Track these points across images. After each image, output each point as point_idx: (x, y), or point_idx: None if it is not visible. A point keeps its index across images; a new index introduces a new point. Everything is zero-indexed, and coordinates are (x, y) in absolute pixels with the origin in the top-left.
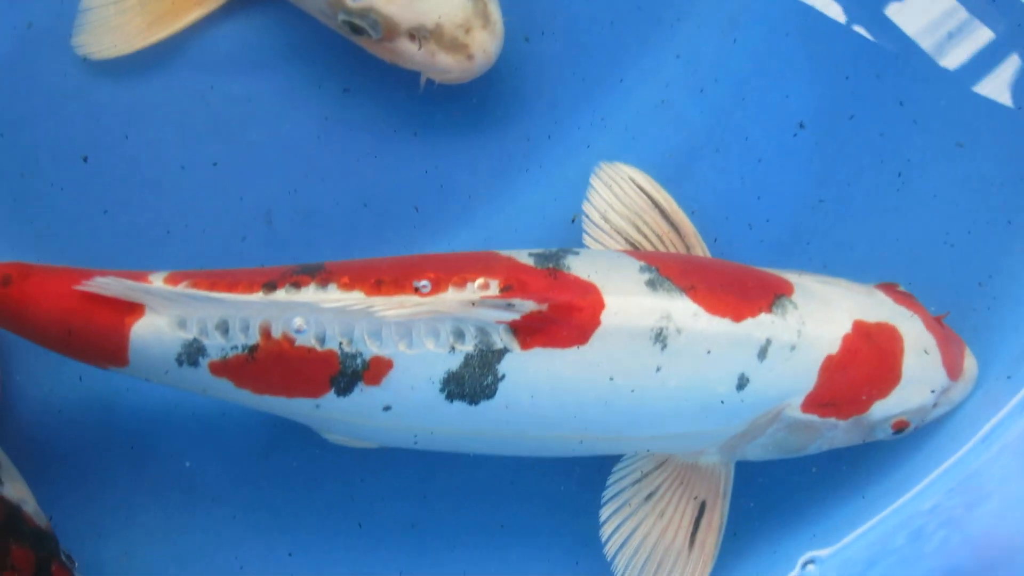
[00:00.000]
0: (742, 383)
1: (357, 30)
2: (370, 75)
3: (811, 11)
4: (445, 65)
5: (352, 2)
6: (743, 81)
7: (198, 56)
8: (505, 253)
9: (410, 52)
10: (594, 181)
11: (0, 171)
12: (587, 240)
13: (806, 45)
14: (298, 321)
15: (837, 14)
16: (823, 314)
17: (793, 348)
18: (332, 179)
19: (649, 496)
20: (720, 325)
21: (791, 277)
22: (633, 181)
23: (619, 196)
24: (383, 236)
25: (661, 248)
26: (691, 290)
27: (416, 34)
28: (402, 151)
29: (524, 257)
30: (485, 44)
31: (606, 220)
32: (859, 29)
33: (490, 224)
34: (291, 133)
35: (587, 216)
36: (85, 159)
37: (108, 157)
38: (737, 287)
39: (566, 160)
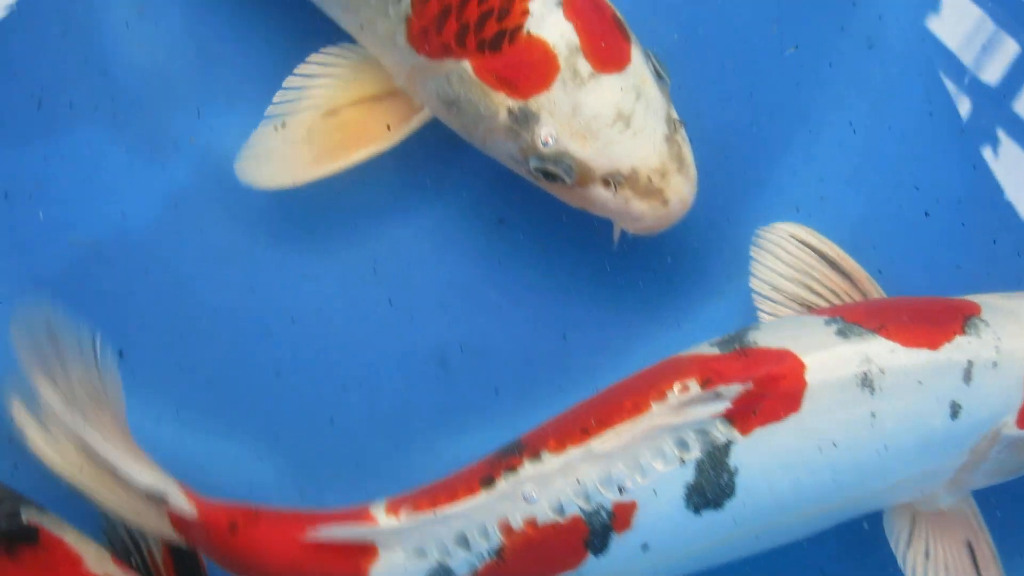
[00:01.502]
0: (955, 411)
1: (550, 176)
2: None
3: None
4: (640, 212)
5: (545, 147)
6: None
7: (359, 193)
8: (687, 353)
9: (604, 198)
10: (755, 252)
11: None
12: (763, 316)
13: None
14: (528, 487)
15: None
16: (1016, 327)
17: (995, 365)
18: (502, 315)
19: (927, 555)
20: (919, 356)
21: (973, 298)
22: (795, 237)
23: (783, 259)
24: (562, 367)
25: (840, 303)
26: (882, 329)
27: (611, 180)
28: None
29: (707, 348)
30: (681, 190)
31: (777, 289)
32: None
33: (662, 338)
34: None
35: (756, 291)
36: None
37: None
38: (925, 316)
39: None
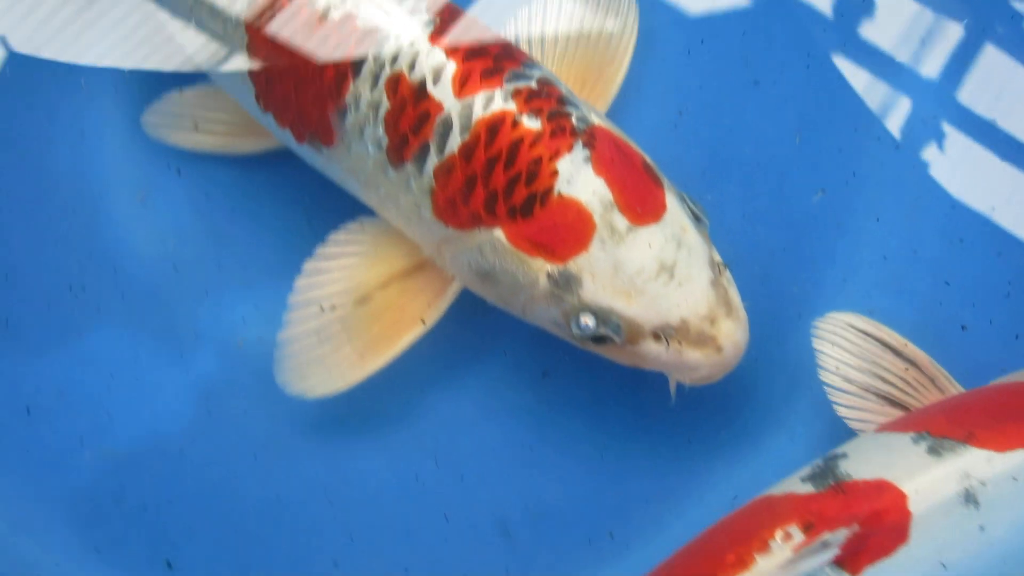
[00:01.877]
0: None
1: (599, 338)
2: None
3: None
4: (695, 362)
5: (589, 306)
6: None
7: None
8: (778, 492)
9: (656, 353)
10: (817, 344)
11: None
12: (840, 411)
13: None
14: None
15: None
16: None
17: None
18: (559, 472)
19: None
20: (1016, 458)
21: None
22: (853, 327)
23: (848, 349)
24: (624, 518)
25: (911, 391)
26: (971, 438)
27: (661, 333)
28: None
29: (798, 485)
30: (733, 334)
31: (848, 381)
32: None
33: (732, 479)
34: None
35: (829, 384)
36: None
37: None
38: (1009, 413)
39: None
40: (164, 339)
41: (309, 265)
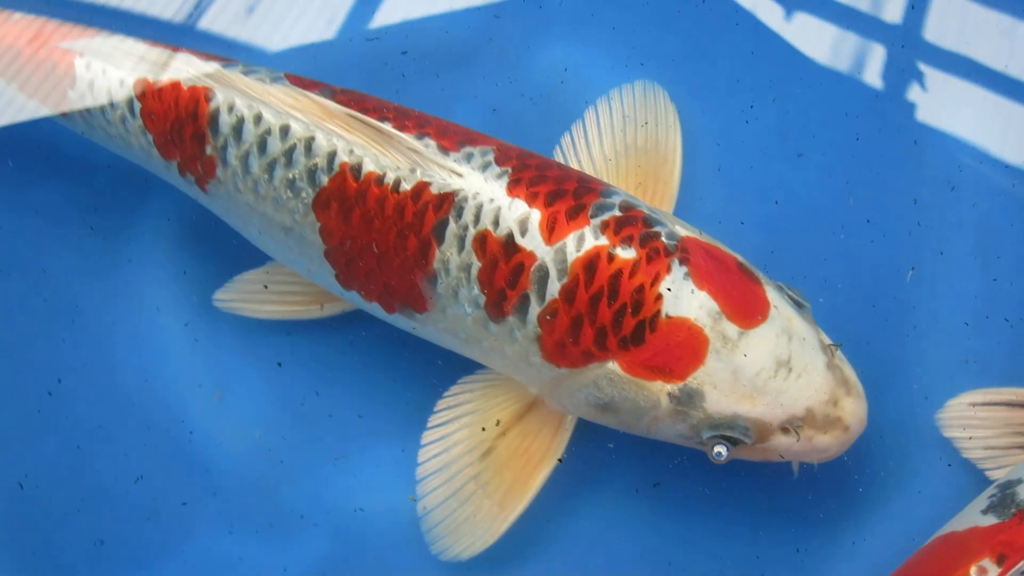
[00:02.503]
0: None
1: (731, 441)
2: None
3: None
4: (825, 446)
5: (715, 416)
6: None
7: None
8: (959, 527)
9: (786, 445)
10: (948, 433)
11: None
12: (994, 475)
13: None
14: None
15: None
16: None
17: None
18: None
19: None
20: None
21: None
22: (974, 405)
23: (980, 425)
24: None
25: None
26: None
27: (790, 426)
28: None
29: (980, 519)
30: (856, 411)
31: (991, 448)
32: None
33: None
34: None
35: (976, 462)
36: None
37: None
38: None
39: None
40: (269, 530)
41: (427, 436)
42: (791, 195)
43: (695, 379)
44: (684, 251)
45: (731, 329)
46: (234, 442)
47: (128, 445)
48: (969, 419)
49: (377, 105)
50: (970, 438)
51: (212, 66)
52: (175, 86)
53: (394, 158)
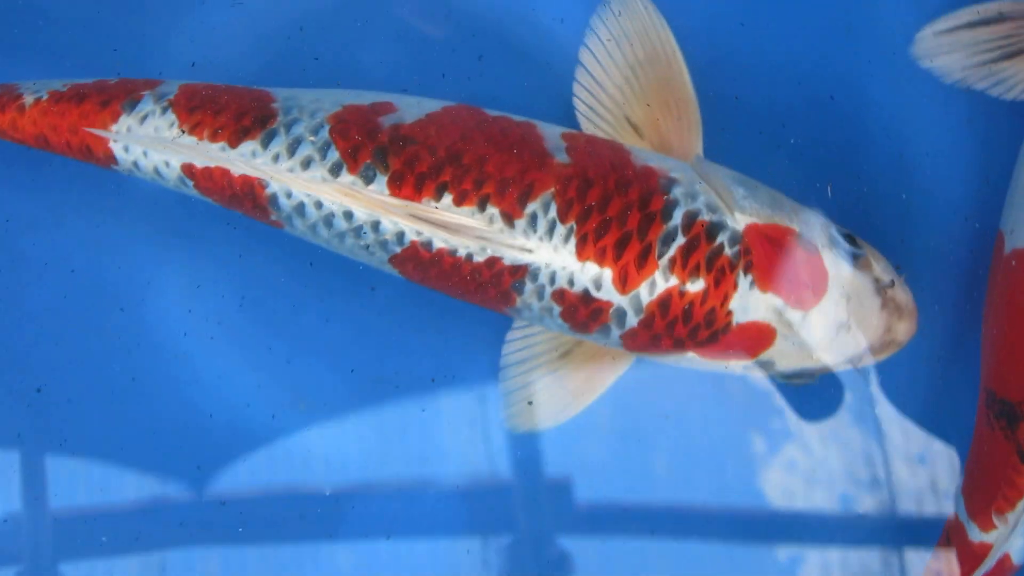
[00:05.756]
0: None
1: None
2: None
3: None
4: (879, 358)
5: (784, 371)
6: None
7: None
8: None
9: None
10: (925, 64)
11: None
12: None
13: None
14: None
15: None
16: None
17: None
18: None
19: None
20: None
21: None
22: (941, 32)
23: (953, 50)
24: None
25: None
26: None
27: (850, 362)
28: None
29: None
30: (908, 329)
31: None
32: None
33: None
34: None
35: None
36: None
37: None
38: None
39: None
40: None
41: (511, 334)
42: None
43: (765, 355)
44: (747, 253)
45: (795, 315)
46: None
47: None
48: (939, 47)
49: (420, 141)
50: (945, 64)
51: (257, 160)
52: (225, 172)
53: (463, 241)
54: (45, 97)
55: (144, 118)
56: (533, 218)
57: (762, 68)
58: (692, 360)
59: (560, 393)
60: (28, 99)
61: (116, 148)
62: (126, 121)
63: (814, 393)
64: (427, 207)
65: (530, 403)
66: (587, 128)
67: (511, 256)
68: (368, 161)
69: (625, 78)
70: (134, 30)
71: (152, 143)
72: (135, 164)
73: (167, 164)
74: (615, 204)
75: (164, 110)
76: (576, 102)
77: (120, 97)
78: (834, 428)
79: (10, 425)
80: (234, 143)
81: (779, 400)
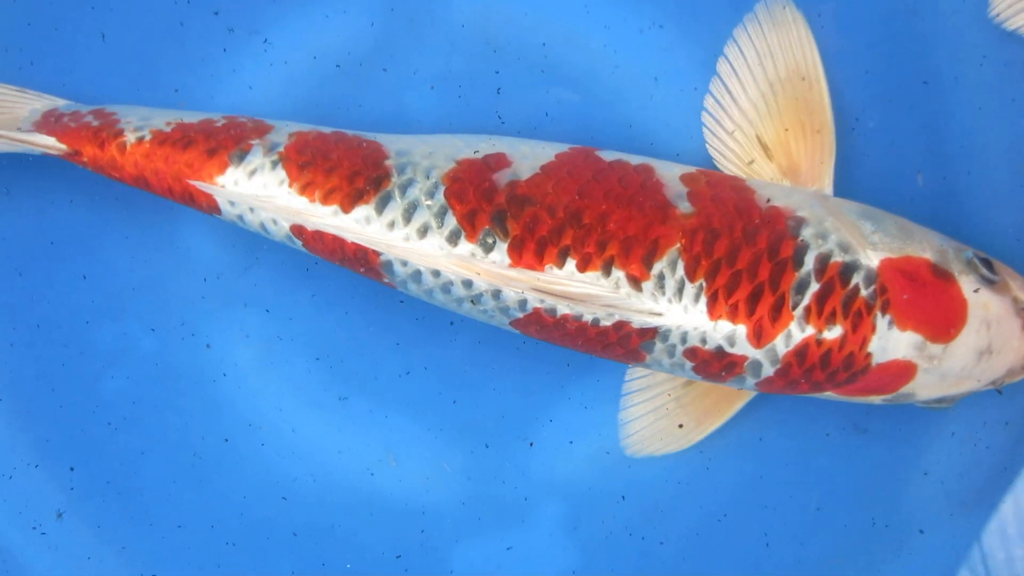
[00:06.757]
0: None
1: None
2: None
3: None
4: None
5: (925, 400)
6: None
7: None
8: None
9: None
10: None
11: None
12: None
13: None
14: None
15: None
16: None
17: None
18: None
19: None
20: None
21: None
22: None
23: None
24: None
25: None
26: None
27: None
28: None
29: None
30: None
31: None
32: None
33: None
34: None
35: None
36: None
37: None
38: None
39: None
40: None
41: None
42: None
43: (905, 388)
44: (883, 291)
45: (935, 349)
46: None
47: None
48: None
49: (539, 203)
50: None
51: (372, 227)
52: (336, 239)
53: (590, 308)
54: (148, 137)
55: (253, 172)
56: (660, 279)
57: None
58: (830, 396)
59: (683, 421)
60: (130, 137)
61: (221, 201)
62: (233, 175)
63: None
64: (551, 277)
65: (680, 426)
66: (711, 141)
67: (639, 320)
68: (487, 227)
69: (762, 94)
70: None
71: (260, 203)
72: (240, 218)
73: (275, 222)
74: (744, 255)
75: (274, 164)
76: (704, 117)
77: (228, 146)
78: None
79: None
80: (347, 207)
81: None
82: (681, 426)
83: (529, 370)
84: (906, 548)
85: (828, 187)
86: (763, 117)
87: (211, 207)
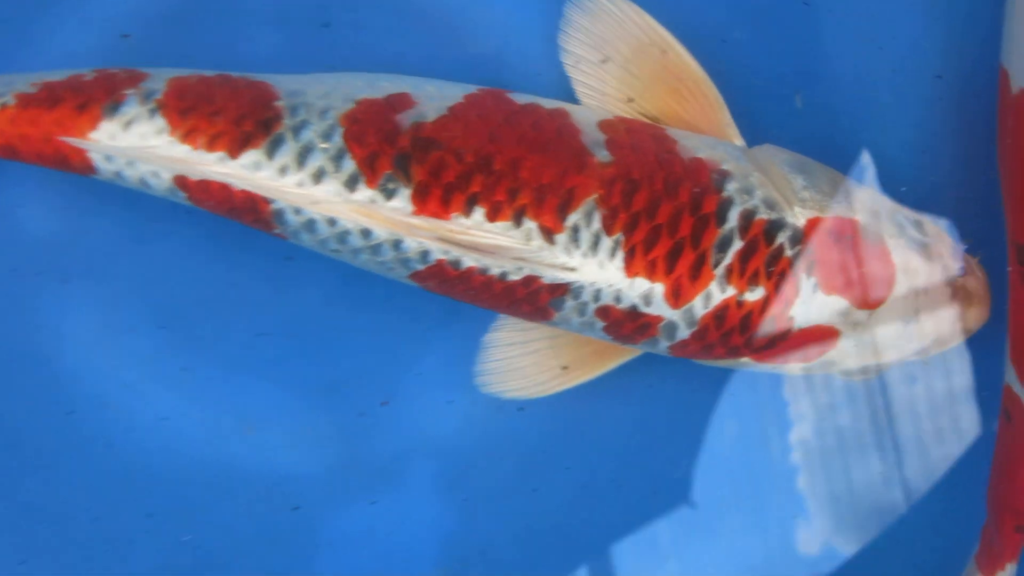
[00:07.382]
0: None
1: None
2: None
3: None
4: (950, 345)
5: (846, 369)
6: None
7: None
8: None
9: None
10: None
11: None
12: None
13: None
14: None
15: None
16: None
17: None
18: None
19: None
20: None
21: None
22: None
23: None
24: None
25: None
26: None
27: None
28: None
29: None
30: (979, 316)
31: None
32: None
33: None
34: None
35: None
36: None
37: None
38: None
39: None
40: None
41: None
42: None
43: (826, 357)
44: (809, 249)
45: (860, 315)
46: None
47: None
48: None
49: (447, 146)
50: None
51: (261, 173)
52: (223, 186)
53: (498, 261)
54: (12, 103)
55: (129, 123)
56: (575, 231)
57: None
58: (744, 364)
59: (550, 365)
60: None
61: (96, 157)
62: (108, 128)
63: None
64: (457, 226)
65: (565, 367)
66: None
67: (551, 275)
68: (388, 172)
69: (620, 79)
70: None
71: (139, 153)
72: (117, 174)
73: (156, 175)
74: (665, 209)
75: (152, 113)
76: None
77: (100, 98)
78: None
79: None
80: (235, 153)
81: None
82: (566, 367)
83: (391, 324)
84: None
85: (737, 139)
86: (636, 97)
87: (86, 166)
